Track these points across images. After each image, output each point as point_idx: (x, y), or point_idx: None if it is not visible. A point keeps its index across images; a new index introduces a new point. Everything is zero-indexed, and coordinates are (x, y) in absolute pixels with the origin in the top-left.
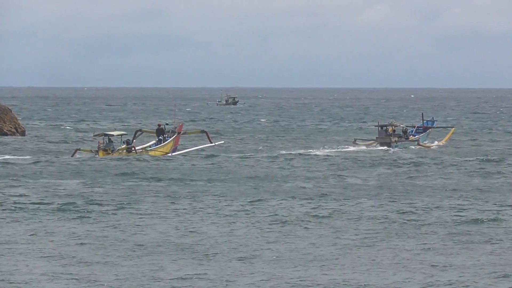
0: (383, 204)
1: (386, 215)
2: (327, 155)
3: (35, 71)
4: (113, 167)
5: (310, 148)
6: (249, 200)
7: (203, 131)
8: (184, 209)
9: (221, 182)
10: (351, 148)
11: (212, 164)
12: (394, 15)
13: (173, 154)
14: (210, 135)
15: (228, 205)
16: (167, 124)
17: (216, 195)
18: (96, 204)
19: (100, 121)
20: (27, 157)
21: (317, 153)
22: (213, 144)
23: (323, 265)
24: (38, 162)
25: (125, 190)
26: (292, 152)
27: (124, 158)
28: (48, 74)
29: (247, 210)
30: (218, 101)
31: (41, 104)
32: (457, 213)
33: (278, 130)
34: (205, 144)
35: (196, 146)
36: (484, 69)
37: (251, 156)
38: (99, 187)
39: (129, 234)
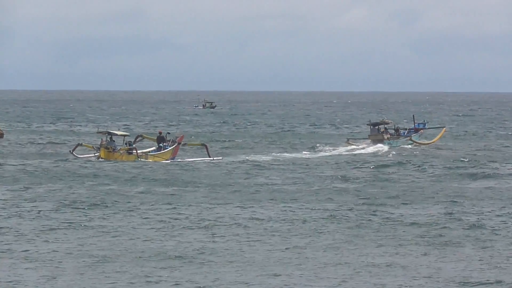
0: (351, 208)
1: (352, 218)
2: (307, 158)
3: (13, 74)
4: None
5: (285, 152)
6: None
7: (203, 145)
8: (164, 216)
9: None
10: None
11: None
12: (373, 19)
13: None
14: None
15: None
16: (168, 133)
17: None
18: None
19: (80, 123)
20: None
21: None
22: (211, 158)
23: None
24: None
25: (95, 193)
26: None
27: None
28: (27, 77)
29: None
30: (195, 106)
31: (19, 106)
32: (420, 217)
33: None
34: (203, 158)
35: (194, 158)
36: (463, 72)
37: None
38: (68, 192)
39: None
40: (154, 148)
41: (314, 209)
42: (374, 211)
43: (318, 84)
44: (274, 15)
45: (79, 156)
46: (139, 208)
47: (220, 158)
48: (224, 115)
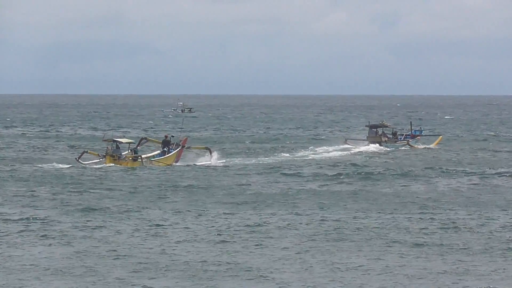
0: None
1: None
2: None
3: None
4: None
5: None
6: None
7: (207, 148)
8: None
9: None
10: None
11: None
12: (353, 23)
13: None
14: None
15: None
16: (172, 136)
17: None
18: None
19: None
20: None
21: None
22: (215, 162)
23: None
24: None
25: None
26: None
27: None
28: (6, 81)
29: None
30: (174, 109)
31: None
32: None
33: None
34: (205, 161)
35: (196, 162)
36: (441, 75)
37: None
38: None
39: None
40: (158, 152)
41: (307, 214)
42: (365, 217)
43: (298, 88)
44: (253, 20)
45: (84, 163)
46: (134, 215)
47: (224, 161)
48: (203, 119)
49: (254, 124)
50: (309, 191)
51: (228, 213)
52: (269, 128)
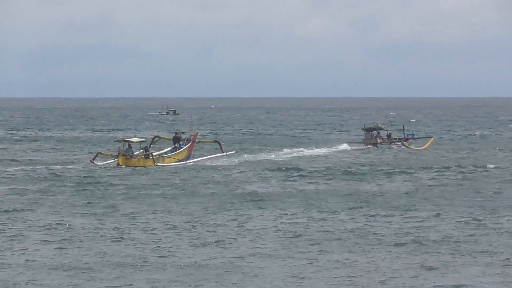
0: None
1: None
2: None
3: None
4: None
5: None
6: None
7: (216, 141)
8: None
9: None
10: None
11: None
12: (334, 27)
13: (187, 161)
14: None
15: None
16: (183, 132)
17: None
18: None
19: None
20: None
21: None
22: (225, 153)
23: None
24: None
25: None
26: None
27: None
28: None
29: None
30: (159, 112)
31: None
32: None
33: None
34: (217, 154)
35: (209, 155)
36: (420, 78)
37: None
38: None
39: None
40: (170, 148)
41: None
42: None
43: (281, 90)
44: (237, 24)
45: (98, 164)
46: (146, 215)
47: (234, 152)
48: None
49: (241, 125)
50: (301, 190)
51: (217, 213)
52: (251, 130)
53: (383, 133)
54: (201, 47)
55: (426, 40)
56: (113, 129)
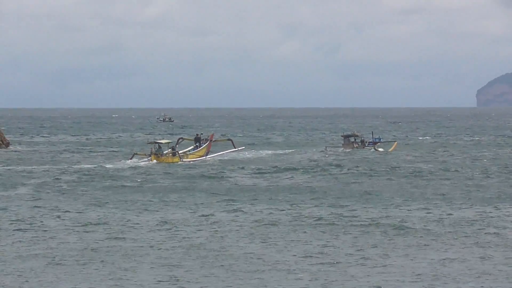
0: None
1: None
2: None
3: (18, 96)
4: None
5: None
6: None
7: (229, 139)
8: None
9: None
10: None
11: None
12: (303, 50)
13: (207, 157)
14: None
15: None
16: (202, 134)
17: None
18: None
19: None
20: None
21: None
22: (237, 149)
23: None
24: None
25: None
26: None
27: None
28: (29, 98)
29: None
30: (157, 118)
31: (18, 121)
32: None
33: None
34: (230, 149)
35: (224, 151)
36: (376, 91)
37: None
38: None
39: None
40: (192, 147)
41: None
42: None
43: (261, 102)
44: (223, 47)
45: (135, 161)
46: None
47: (243, 147)
48: (183, 127)
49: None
50: (287, 186)
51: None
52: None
53: (358, 139)
54: (193, 68)
55: (378, 60)
56: (119, 135)
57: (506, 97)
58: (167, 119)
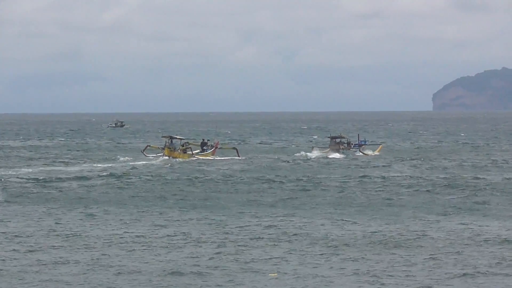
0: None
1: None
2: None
3: None
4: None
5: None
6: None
7: (234, 148)
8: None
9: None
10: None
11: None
12: (260, 55)
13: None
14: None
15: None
16: (208, 140)
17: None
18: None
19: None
20: None
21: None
22: (240, 158)
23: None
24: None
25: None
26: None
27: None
28: None
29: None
30: (109, 124)
31: None
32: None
33: None
34: (234, 156)
35: (227, 156)
36: (333, 96)
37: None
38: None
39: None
40: (198, 150)
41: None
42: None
43: (218, 106)
44: (182, 53)
45: (148, 155)
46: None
47: (244, 158)
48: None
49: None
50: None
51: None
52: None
53: (344, 141)
54: (152, 73)
55: (337, 64)
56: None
57: (461, 101)
58: (118, 124)
